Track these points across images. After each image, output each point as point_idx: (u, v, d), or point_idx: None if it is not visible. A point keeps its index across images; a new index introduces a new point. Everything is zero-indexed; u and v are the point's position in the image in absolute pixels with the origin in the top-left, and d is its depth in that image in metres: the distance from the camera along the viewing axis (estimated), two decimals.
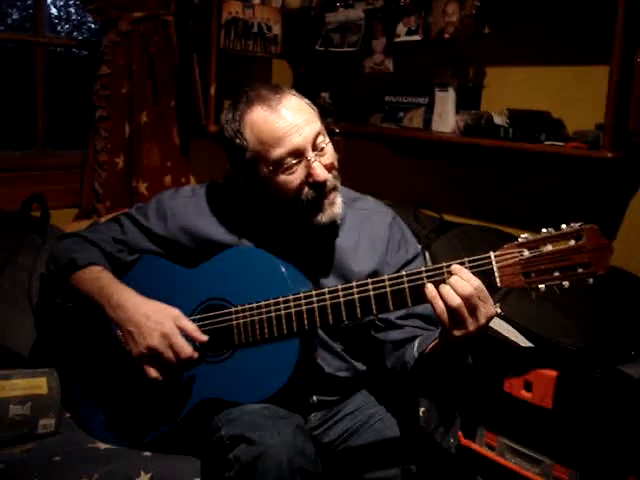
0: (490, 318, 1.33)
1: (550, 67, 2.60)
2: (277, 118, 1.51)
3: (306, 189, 1.54)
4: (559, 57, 2.56)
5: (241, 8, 2.99)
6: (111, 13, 2.79)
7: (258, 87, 1.58)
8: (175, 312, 1.57)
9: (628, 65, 2.18)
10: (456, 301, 1.29)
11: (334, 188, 1.57)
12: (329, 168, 1.55)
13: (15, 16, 7.55)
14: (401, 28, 2.82)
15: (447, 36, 2.63)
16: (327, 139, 1.58)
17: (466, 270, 1.32)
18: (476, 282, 1.30)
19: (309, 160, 1.52)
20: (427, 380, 1.58)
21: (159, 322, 1.54)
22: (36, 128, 2.95)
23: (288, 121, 1.51)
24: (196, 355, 1.55)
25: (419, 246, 1.81)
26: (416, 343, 1.55)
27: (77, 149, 3.02)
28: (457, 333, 1.32)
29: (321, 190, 1.54)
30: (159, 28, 2.93)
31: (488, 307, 1.31)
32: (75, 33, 7.75)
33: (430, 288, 1.34)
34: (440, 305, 1.32)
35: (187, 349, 1.54)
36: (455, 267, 1.33)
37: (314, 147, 1.53)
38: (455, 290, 1.30)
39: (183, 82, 3.04)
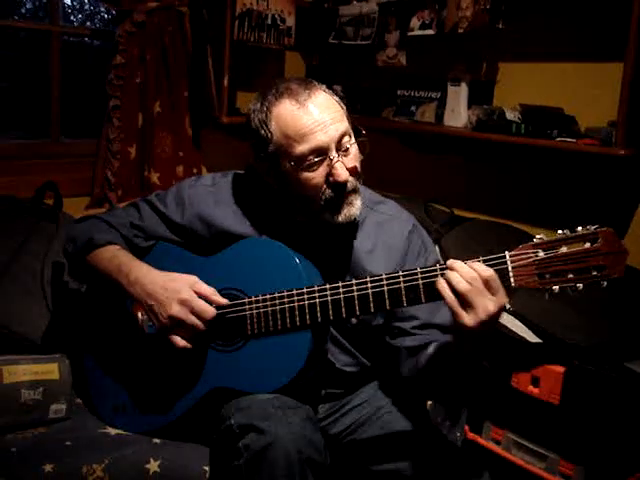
0: (501, 307, 1.32)
1: (563, 63, 2.59)
2: (304, 114, 1.49)
3: (326, 188, 1.53)
4: (573, 53, 2.55)
5: (255, 0, 2.99)
6: (126, 3, 2.81)
7: (289, 80, 1.57)
8: (191, 278, 1.58)
9: None
10: (461, 284, 1.30)
11: (354, 190, 1.55)
12: (352, 170, 1.53)
13: (29, 5, 7.58)
14: (415, 22, 2.82)
15: (461, 31, 2.63)
16: (352, 140, 1.55)
17: (477, 262, 1.32)
18: (481, 268, 1.30)
19: (332, 160, 1.50)
20: (439, 380, 1.58)
21: (176, 290, 1.55)
22: (50, 117, 2.97)
23: (314, 118, 1.49)
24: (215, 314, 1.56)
25: (438, 252, 1.79)
26: (431, 347, 1.55)
27: (91, 138, 3.03)
28: (468, 321, 1.31)
29: (341, 191, 1.53)
30: (173, 19, 2.94)
31: (499, 296, 1.31)
32: (88, 23, 7.78)
33: (441, 279, 1.34)
34: (449, 294, 1.32)
35: (209, 310, 1.55)
36: (467, 261, 1.34)
37: (338, 147, 1.51)
38: (461, 274, 1.31)
39: (196, 73, 3.05)
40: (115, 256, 1.65)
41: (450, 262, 1.34)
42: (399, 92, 3.06)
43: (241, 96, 3.22)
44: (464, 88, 2.77)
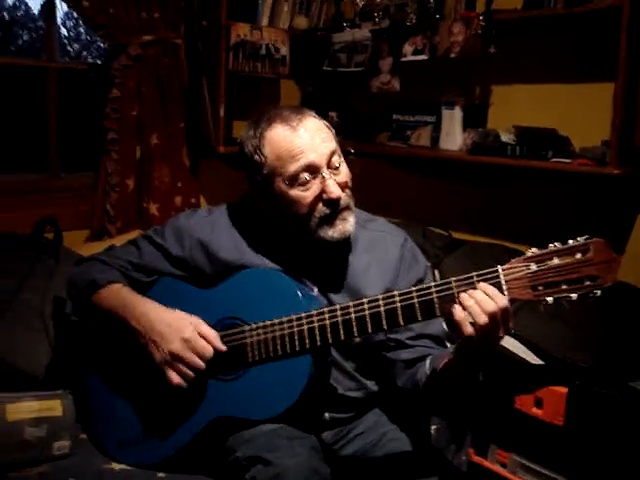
0: (506, 332, 1.36)
1: (556, 84, 2.63)
2: (295, 137, 1.55)
3: (320, 205, 1.57)
4: (565, 75, 2.58)
5: (249, 30, 3.03)
6: (121, 37, 2.84)
7: (281, 107, 1.65)
8: (195, 320, 1.60)
9: (633, 82, 2.20)
10: (481, 318, 1.32)
11: (347, 207, 1.59)
12: (343, 186, 1.58)
13: (25, 37, 7.65)
14: (407, 48, 2.86)
15: (453, 55, 2.66)
16: (342, 159, 1.61)
17: (492, 287, 1.34)
18: (502, 300, 1.32)
19: (324, 177, 1.55)
20: (439, 397, 1.59)
21: (180, 328, 1.57)
22: (48, 151, 2.99)
23: (305, 139, 1.55)
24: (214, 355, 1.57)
25: (428, 263, 1.82)
26: (428, 361, 1.57)
27: (89, 171, 3.05)
28: (476, 343, 1.34)
29: (334, 207, 1.57)
30: (168, 51, 2.98)
31: (509, 325, 1.34)
32: (85, 53, 7.84)
33: (458, 309, 1.35)
34: (468, 328, 1.34)
35: (209, 350, 1.56)
36: (481, 284, 1.35)
37: (329, 165, 1.56)
38: (481, 307, 1.32)
39: (192, 104, 3.09)
40: (119, 293, 1.67)
41: (471, 293, 1.35)
42: (394, 117, 3.09)
43: (237, 126, 3.25)
44: (458, 111, 2.79)
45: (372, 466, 1.66)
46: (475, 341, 1.34)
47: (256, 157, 1.59)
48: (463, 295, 1.36)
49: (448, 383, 1.52)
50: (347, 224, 1.59)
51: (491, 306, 1.32)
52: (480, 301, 1.33)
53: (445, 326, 1.68)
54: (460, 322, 1.35)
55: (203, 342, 1.57)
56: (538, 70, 2.66)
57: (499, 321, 1.32)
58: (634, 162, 2.26)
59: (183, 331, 1.56)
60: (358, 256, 1.70)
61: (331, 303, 1.62)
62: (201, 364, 1.56)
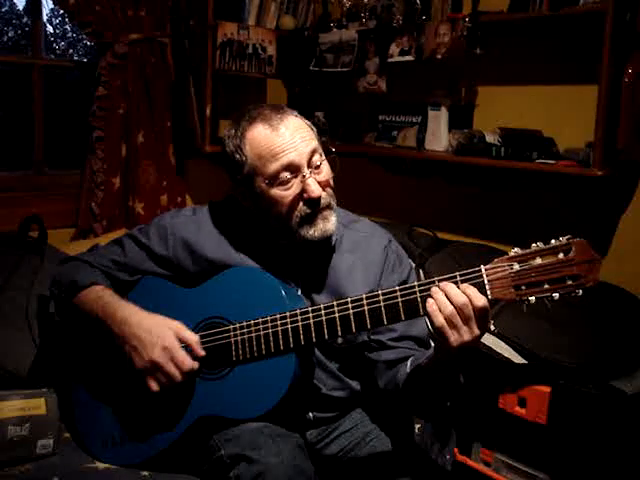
0: (484, 332, 1.35)
1: (541, 86, 2.64)
2: (276, 136, 1.55)
3: (301, 205, 1.57)
4: (549, 77, 2.60)
5: (236, 30, 3.03)
6: (107, 35, 2.84)
7: (262, 106, 1.63)
8: (176, 325, 1.59)
9: (616, 85, 2.22)
10: (449, 308, 1.32)
11: (328, 206, 1.60)
12: (324, 185, 1.58)
13: (11, 34, 7.59)
14: (394, 49, 2.86)
15: (439, 57, 2.67)
16: (323, 157, 1.61)
17: (472, 289, 1.34)
18: (476, 296, 1.32)
19: (304, 176, 1.55)
20: (418, 397, 1.59)
21: (160, 336, 1.56)
22: (34, 148, 2.98)
23: (286, 138, 1.55)
24: (197, 366, 1.58)
25: (413, 265, 1.83)
26: (408, 362, 1.58)
27: (74, 169, 3.04)
28: (452, 341, 1.33)
29: (315, 206, 1.57)
30: (155, 50, 2.97)
31: (484, 321, 1.34)
32: (71, 50, 7.79)
33: (430, 301, 1.36)
34: (440, 319, 1.34)
35: (188, 362, 1.56)
36: (462, 285, 1.35)
37: (310, 164, 1.56)
38: (449, 297, 1.33)
39: (179, 103, 3.08)
40: (100, 297, 1.66)
41: (443, 285, 1.36)
42: (380, 117, 3.10)
43: (224, 125, 3.24)
44: (444, 112, 2.80)
45: (356, 465, 1.67)
46: (449, 336, 1.33)
47: (237, 156, 1.59)
48: (434, 289, 1.36)
49: (427, 382, 1.52)
50: (328, 223, 1.59)
51: (455, 295, 1.32)
52: (447, 292, 1.33)
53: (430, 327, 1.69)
54: (430, 314, 1.35)
55: (182, 352, 1.56)
56: (523, 72, 2.67)
57: (469, 314, 1.32)
58: (617, 164, 2.28)
59: (164, 339, 1.56)
60: (342, 257, 1.70)
61: (313, 303, 1.63)
62: (179, 377, 1.56)
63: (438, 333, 1.35)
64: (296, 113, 1.63)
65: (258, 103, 1.68)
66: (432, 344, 1.64)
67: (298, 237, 1.60)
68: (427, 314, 1.36)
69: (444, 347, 1.37)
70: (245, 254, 1.68)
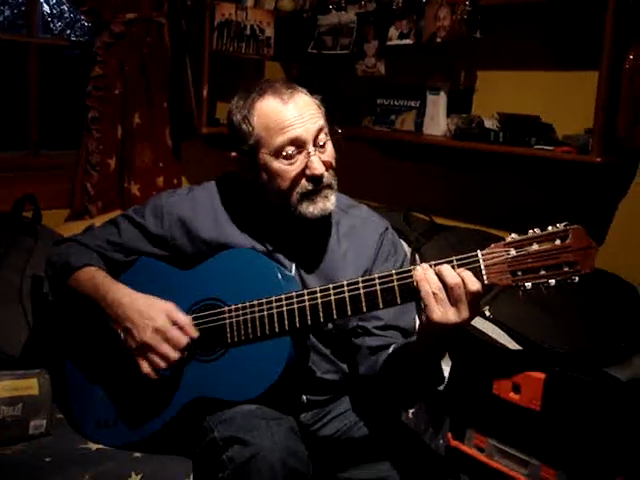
0: (473, 316, 1.34)
1: (540, 72, 2.63)
2: (285, 109, 1.55)
3: (302, 181, 1.57)
4: (549, 62, 2.58)
5: (234, 10, 3.01)
6: (104, 14, 2.80)
7: (273, 81, 1.65)
8: (168, 306, 1.59)
9: (617, 71, 2.21)
10: (435, 284, 1.32)
11: (329, 185, 1.60)
12: (327, 166, 1.59)
13: (7, 13, 7.52)
14: (393, 32, 2.84)
15: (439, 40, 2.65)
16: (329, 138, 1.62)
17: (466, 271, 1.33)
18: (470, 280, 1.31)
19: (309, 153, 1.56)
20: (394, 382, 1.59)
21: (152, 317, 1.56)
22: (29, 128, 2.95)
23: (295, 113, 1.55)
24: (189, 343, 1.57)
25: (408, 254, 1.82)
26: (390, 348, 1.58)
27: (70, 149, 3.02)
28: (436, 317, 1.32)
29: (317, 184, 1.57)
30: (152, 30, 2.94)
31: (474, 306, 1.33)
32: (68, 31, 7.72)
33: (419, 270, 1.36)
34: (425, 285, 1.34)
35: (182, 341, 1.56)
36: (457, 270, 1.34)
37: (315, 142, 1.57)
38: (442, 277, 1.32)
39: (176, 84, 3.05)
40: (93, 277, 1.65)
41: (439, 267, 1.35)
42: (378, 101, 3.08)
43: (220, 107, 3.23)
44: (443, 97, 2.79)
45: (350, 447, 1.67)
46: (434, 309, 1.32)
47: (244, 126, 1.59)
48: (423, 265, 1.36)
49: (405, 366, 1.52)
50: (328, 202, 1.59)
51: (448, 275, 1.32)
52: (441, 272, 1.33)
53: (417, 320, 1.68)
54: (419, 282, 1.34)
55: (176, 332, 1.56)
56: (523, 57, 2.65)
57: (460, 295, 1.31)
58: (616, 151, 2.27)
59: (156, 320, 1.56)
60: (337, 241, 1.70)
61: (305, 286, 1.62)
62: (174, 356, 1.55)
63: (423, 304, 1.34)
64: (306, 91, 1.64)
65: (271, 79, 1.68)
66: None
67: (297, 214, 1.59)
68: (416, 282, 1.35)
69: (428, 323, 1.35)
70: (240, 232, 1.67)
